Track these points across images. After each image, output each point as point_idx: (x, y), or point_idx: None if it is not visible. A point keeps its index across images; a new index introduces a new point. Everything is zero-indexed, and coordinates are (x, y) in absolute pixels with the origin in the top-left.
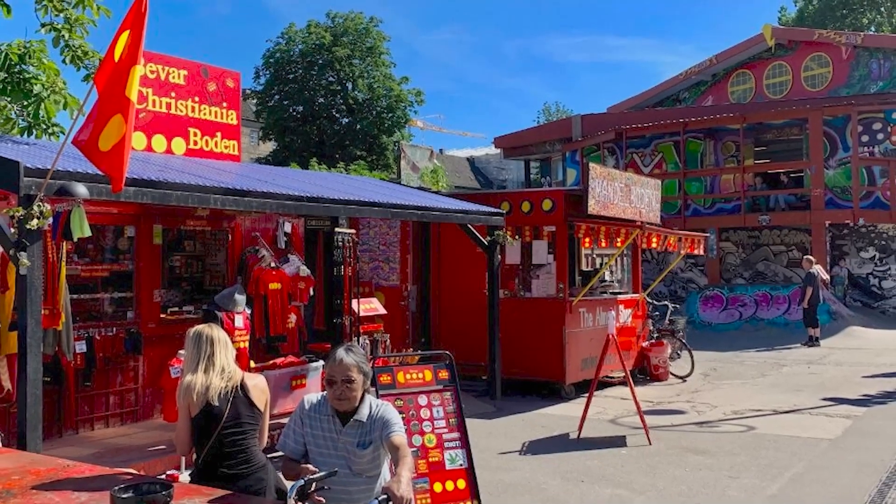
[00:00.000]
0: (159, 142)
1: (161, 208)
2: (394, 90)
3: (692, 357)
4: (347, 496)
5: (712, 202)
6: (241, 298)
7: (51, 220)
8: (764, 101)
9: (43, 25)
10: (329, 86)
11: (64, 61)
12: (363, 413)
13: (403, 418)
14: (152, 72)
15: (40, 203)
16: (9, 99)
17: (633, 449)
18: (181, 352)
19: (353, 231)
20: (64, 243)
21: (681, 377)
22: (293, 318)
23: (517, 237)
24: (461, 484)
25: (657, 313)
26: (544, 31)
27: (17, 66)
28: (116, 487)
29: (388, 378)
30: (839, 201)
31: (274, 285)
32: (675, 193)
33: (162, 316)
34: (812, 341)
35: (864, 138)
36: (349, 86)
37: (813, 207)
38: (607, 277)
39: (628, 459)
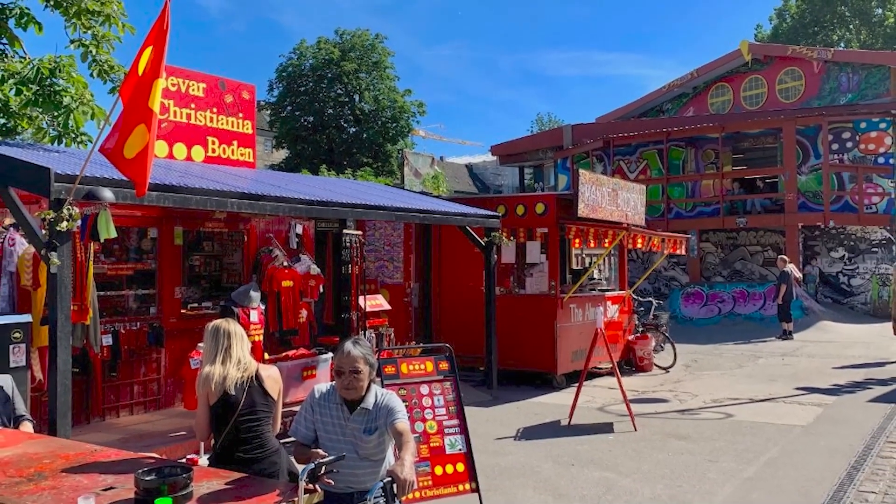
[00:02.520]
0: (180, 150)
1: (182, 211)
2: (398, 102)
3: (675, 349)
4: (354, 478)
5: (693, 206)
6: (255, 295)
7: (79, 222)
8: (741, 112)
9: (72, 42)
10: (337, 98)
11: (91, 75)
12: (369, 401)
13: (406, 406)
14: (173, 85)
15: (69, 206)
16: (41, 110)
17: (619, 435)
18: (200, 345)
19: (359, 233)
20: (91, 244)
21: (664, 368)
22: (304, 313)
23: (512, 238)
24: (460, 467)
25: (642, 309)
26: (538, 47)
27: (49, 80)
28: (140, 470)
29: (393, 369)
30: (811, 205)
31: (286, 283)
32: (658, 197)
33: (182, 311)
34: (786, 335)
35: (835, 146)
36: (356, 98)
37: (787, 211)
38: (596, 275)
39: (615, 444)
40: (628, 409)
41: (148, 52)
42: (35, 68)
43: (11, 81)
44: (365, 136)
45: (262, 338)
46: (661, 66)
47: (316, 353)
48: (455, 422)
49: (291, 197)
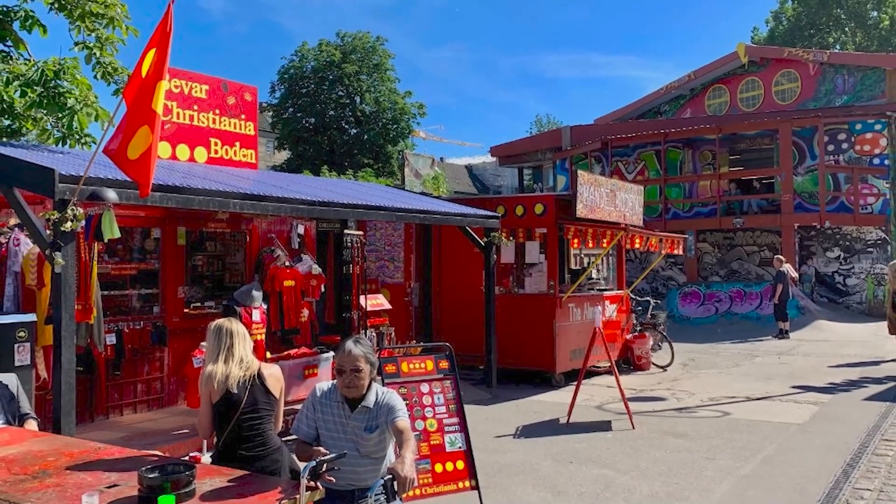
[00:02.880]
0: (183, 151)
1: (184, 212)
2: (398, 103)
3: (672, 348)
4: (356, 476)
5: (690, 206)
6: (258, 294)
7: (83, 222)
8: (738, 114)
9: (76, 44)
10: (339, 99)
11: (95, 77)
12: (370, 400)
13: (407, 405)
14: (176, 86)
15: (74, 207)
16: (45, 112)
17: (617, 433)
18: (203, 343)
19: (360, 233)
20: (95, 244)
21: (661, 367)
22: (306, 312)
23: (511, 238)
24: (460, 465)
25: (640, 308)
26: (537, 49)
27: (53, 82)
28: (144, 468)
29: (393, 368)
30: (807, 205)
31: (288, 282)
32: (656, 198)
33: (185, 311)
34: (782, 334)
35: (830, 148)
36: (357, 99)
37: (783, 211)
38: (594, 275)
39: (613, 442)
40: (626, 407)
41: (151, 54)
42: (40, 70)
43: (16, 83)
44: (366, 137)
45: (264, 337)
46: (659, 69)
47: (317, 351)
48: (455, 420)
49: (293, 198)
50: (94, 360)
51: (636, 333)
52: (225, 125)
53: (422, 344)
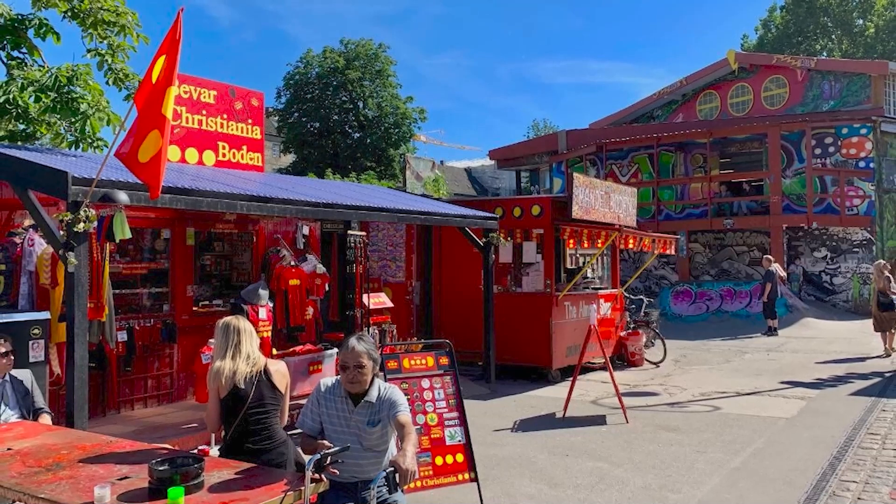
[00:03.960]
0: (192, 154)
1: (193, 213)
2: (400, 108)
3: (664, 345)
4: (358, 468)
5: (682, 208)
6: (264, 293)
7: (95, 223)
8: (728, 118)
9: (89, 51)
10: (342, 104)
11: (107, 83)
12: (373, 395)
13: (408, 399)
14: (185, 92)
15: (86, 208)
16: (59, 116)
17: (612, 427)
18: (211, 340)
19: (363, 233)
20: (107, 244)
21: (654, 363)
22: (310, 310)
23: (509, 239)
24: (459, 458)
25: (633, 306)
26: (534, 56)
27: (66, 87)
28: (154, 461)
29: (395, 364)
30: (795, 207)
31: (293, 281)
32: (649, 200)
33: (194, 309)
34: (771, 331)
35: (817, 151)
36: (360, 104)
37: (772, 212)
38: (589, 274)
39: (608, 436)
40: (620, 402)
41: (161, 60)
42: (53, 76)
43: (31, 89)
44: (368, 141)
45: (270, 334)
46: (652, 75)
47: (322, 348)
48: (455, 414)
49: (298, 199)
50: (106, 356)
51: (630, 331)
52: (232, 129)
53: (423, 341)
